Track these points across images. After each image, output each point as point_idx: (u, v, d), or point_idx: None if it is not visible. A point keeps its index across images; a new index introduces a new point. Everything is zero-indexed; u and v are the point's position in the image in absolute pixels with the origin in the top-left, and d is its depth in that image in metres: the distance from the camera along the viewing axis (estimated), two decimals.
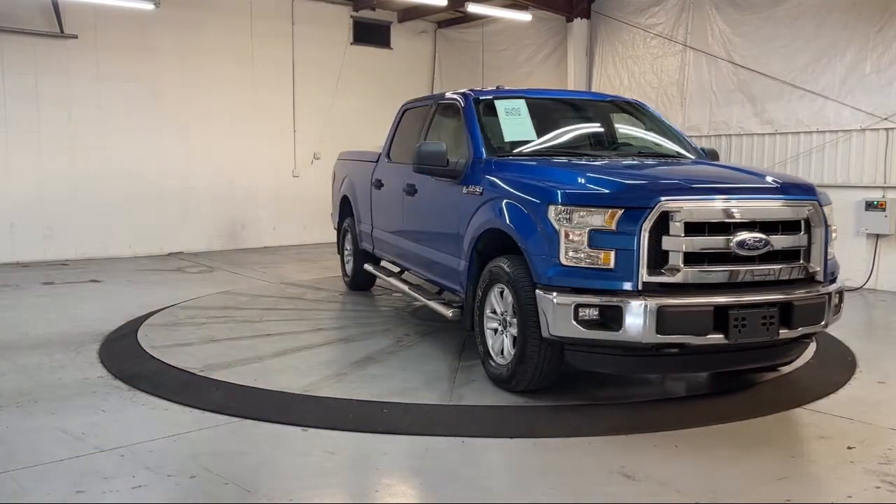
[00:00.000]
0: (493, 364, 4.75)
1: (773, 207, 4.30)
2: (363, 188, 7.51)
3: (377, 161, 7.23)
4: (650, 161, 5.46)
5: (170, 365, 5.19)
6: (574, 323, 4.06)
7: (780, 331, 4.19)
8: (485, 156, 5.18)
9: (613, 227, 4.03)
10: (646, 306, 3.95)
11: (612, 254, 4.04)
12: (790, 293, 4.25)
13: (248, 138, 11.97)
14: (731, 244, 4.10)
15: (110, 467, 3.57)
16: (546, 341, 4.27)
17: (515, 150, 5.32)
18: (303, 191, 12.24)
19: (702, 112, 10.18)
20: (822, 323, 4.40)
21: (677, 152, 5.68)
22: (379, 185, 6.98)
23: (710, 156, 5.92)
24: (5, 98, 10.10)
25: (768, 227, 4.22)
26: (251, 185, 12.10)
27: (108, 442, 3.87)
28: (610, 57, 11.35)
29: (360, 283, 8.16)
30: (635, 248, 4.00)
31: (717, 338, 4.06)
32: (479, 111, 5.56)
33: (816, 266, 4.37)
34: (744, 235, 4.11)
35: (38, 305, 7.55)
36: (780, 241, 4.23)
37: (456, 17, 13.30)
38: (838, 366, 5.37)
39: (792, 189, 4.48)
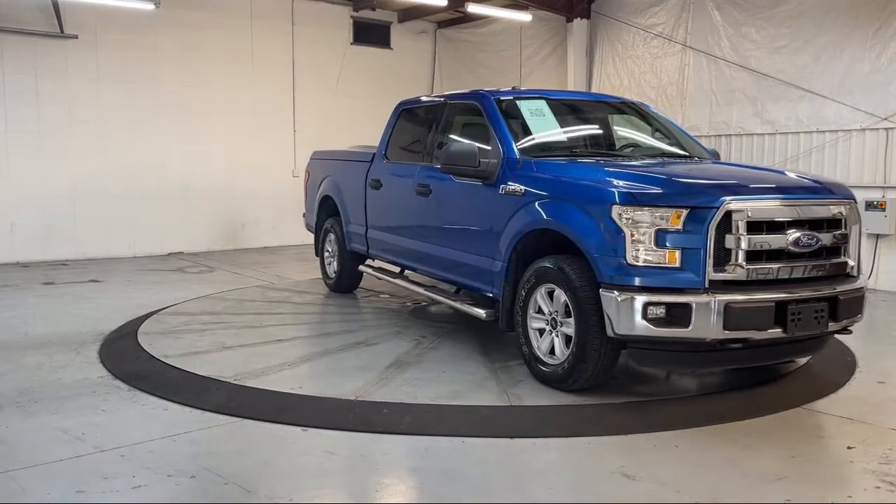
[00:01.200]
0: (543, 364, 4.75)
1: (821, 207, 4.50)
2: (354, 188, 7.39)
3: (371, 161, 7.12)
4: (680, 161, 5.58)
5: (198, 375, 4.97)
6: (643, 321, 4.12)
7: (829, 324, 4.42)
8: (518, 156, 5.17)
9: (680, 226, 4.13)
10: (715, 303, 4.07)
11: (678, 253, 4.14)
12: (835, 288, 4.47)
13: (248, 138, 11.97)
14: (788, 242, 4.27)
15: (110, 467, 3.57)
16: (607, 340, 4.32)
17: (547, 151, 5.38)
18: (303, 191, 12.22)
19: (702, 112, 10.18)
20: (860, 315, 4.63)
21: (695, 153, 5.82)
22: (377, 185, 6.91)
23: (714, 156, 6.04)
24: (5, 98, 10.10)
25: (815, 225, 4.42)
26: (251, 185, 12.10)
27: (108, 442, 3.87)
28: (610, 57, 11.36)
29: (345, 284, 8.01)
30: (703, 246, 4.12)
31: (776, 332, 4.22)
32: (502, 112, 5.56)
33: (852, 262, 4.62)
34: (799, 233, 4.30)
35: (38, 305, 7.55)
36: (826, 239, 4.44)
37: (456, 17, 13.31)
38: (838, 366, 5.36)
39: (834, 189, 4.73)
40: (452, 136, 6.11)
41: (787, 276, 4.33)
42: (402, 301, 7.64)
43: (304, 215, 9.03)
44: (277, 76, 12.29)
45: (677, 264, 4.13)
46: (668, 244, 4.13)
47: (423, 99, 7.13)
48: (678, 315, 4.10)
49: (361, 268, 7.61)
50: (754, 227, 4.21)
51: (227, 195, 11.95)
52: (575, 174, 4.80)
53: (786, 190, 4.56)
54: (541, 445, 3.94)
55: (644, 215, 4.17)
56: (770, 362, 4.93)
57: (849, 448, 3.88)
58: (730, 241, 4.16)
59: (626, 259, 4.18)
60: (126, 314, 6.91)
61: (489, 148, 5.36)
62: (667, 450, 3.87)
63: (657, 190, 4.31)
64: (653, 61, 10.77)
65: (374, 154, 7.14)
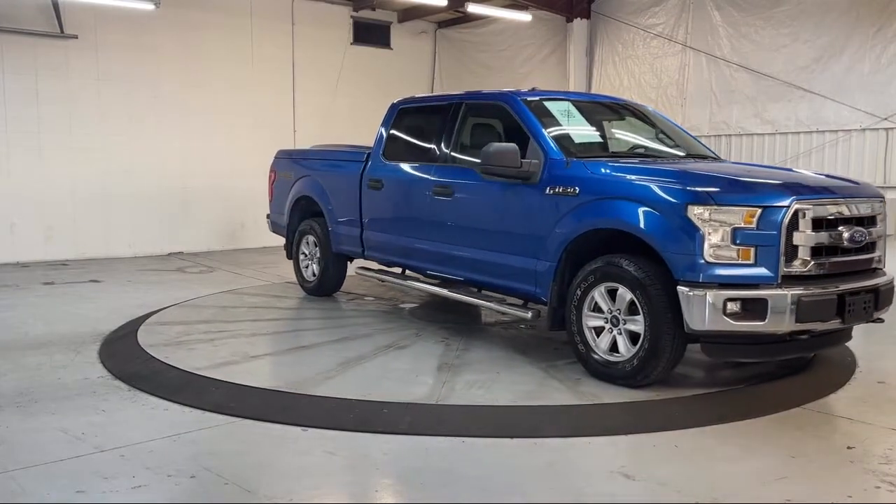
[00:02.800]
0: (604, 361, 4.82)
1: (864, 205, 4.78)
2: (344, 188, 7.17)
3: (366, 160, 6.96)
4: (713, 161, 5.85)
5: (252, 387, 4.76)
6: (722, 316, 4.28)
7: (873, 313, 4.73)
8: (564, 157, 5.20)
9: (753, 224, 4.31)
10: (789, 297, 4.27)
11: (753, 250, 4.32)
12: (875, 279, 4.76)
13: (248, 138, 11.97)
14: (845, 238, 4.52)
15: (110, 467, 3.57)
16: (679, 335, 4.47)
17: (586, 151, 5.47)
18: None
19: (702, 112, 10.19)
20: (889, 306, 4.90)
21: (707, 154, 6.09)
22: (377, 185, 6.76)
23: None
24: (5, 98, 10.11)
25: (859, 222, 4.68)
26: (251, 185, 12.03)
27: (108, 442, 3.87)
28: (610, 57, 11.36)
29: (327, 287, 7.74)
30: (776, 243, 4.32)
31: (835, 322, 4.48)
32: (534, 112, 5.60)
33: (883, 256, 4.94)
34: (852, 230, 4.56)
35: (38, 305, 7.55)
36: (869, 235, 4.74)
37: (456, 17, 13.32)
38: (838, 366, 5.36)
39: (870, 189, 5.06)
40: (459, 138, 6.10)
41: (843, 271, 4.60)
42: (389, 303, 7.56)
43: (267, 216, 8.65)
44: (277, 76, 12.30)
45: (751, 261, 4.32)
46: (743, 242, 4.31)
47: (428, 98, 7.05)
48: (754, 309, 4.28)
49: (359, 271, 7.42)
50: (816, 224, 4.44)
51: (227, 195, 11.94)
52: (640, 175, 4.83)
53: (837, 190, 4.80)
54: (541, 445, 3.94)
55: (721, 214, 4.32)
56: (819, 350, 5.18)
57: (849, 448, 3.88)
58: (797, 237, 4.36)
59: (703, 257, 4.32)
60: (126, 314, 6.90)
61: (525, 148, 5.38)
62: (667, 450, 3.87)
63: (731, 190, 4.49)
64: (653, 61, 10.78)
65: (369, 153, 6.99)
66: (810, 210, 4.41)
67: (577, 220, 4.94)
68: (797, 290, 4.29)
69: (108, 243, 10.98)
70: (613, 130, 6.27)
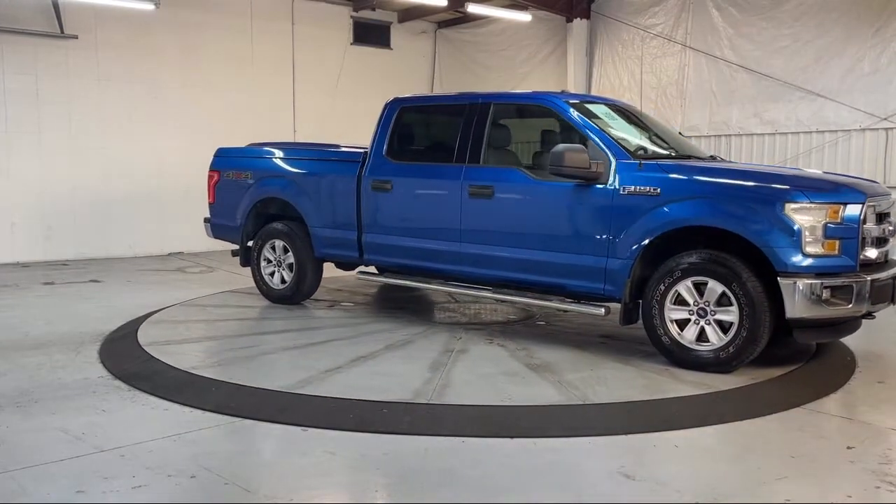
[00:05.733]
0: (693, 351, 5.11)
1: (890, 201, 5.42)
2: (334, 189, 6.88)
3: (364, 161, 6.69)
4: (724, 161, 6.44)
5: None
6: (820, 303, 4.76)
7: None
8: (633, 158, 5.41)
9: (838, 219, 4.82)
10: (869, 282, 4.82)
11: (838, 242, 4.82)
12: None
13: (248, 138, 11.88)
14: (888, 230, 5.19)
15: (110, 467, 3.57)
16: (772, 322, 4.86)
17: (643, 152, 5.78)
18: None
19: (701, 112, 10.19)
20: None
21: (712, 154, 6.83)
22: (384, 187, 6.51)
23: None
24: (5, 98, 10.11)
25: (888, 216, 5.29)
26: None
27: (108, 442, 3.87)
28: (610, 57, 11.36)
29: (303, 294, 7.29)
30: (857, 235, 4.84)
31: (887, 303, 5.11)
32: (581, 114, 5.74)
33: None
34: (892, 223, 5.23)
35: (38, 305, 7.55)
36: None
37: (456, 17, 13.32)
38: (838, 366, 5.37)
39: (885, 187, 5.75)
40: (490, 139, 6.06)
41: (883, 259, 5.20)
42: (377, 306, 7.45)
43: (206, 221, 8.12)
44: (277, 76, 12.30)
45: (836, 252, 4.82)
46: (830, 235, 4.80)
47: (442, 97, 6.98)
48: (844, 294, 4.79)
49: (360, 276, 7.10)
50: (877, 219, 5.07)
51: None
52: (723, 176, 5.30)
53: (878, 189, 5.38)
54: (541, 445, 3.94)
55: (813, 211, 4.81)
56: (855, 331, 5.48)
57: (849, 448, 3.88)
58: (865, 230, 4.90)
59: (801, 250, 4.77)
60: (126, 314, 6.90)
61: (593, 151, 5.50)
62: (667, 450, 3.87)
63: (821, 189, 4.99)
64: (653, 61, 10.78)
65: (366, 153, 6.73)
66: (874, 206, 5.02)
67: (660, 219, 5.17)
68: (871, 276, 4.83)
69: (108, 243, 10.98)
70: (645, 132, 6.39)
